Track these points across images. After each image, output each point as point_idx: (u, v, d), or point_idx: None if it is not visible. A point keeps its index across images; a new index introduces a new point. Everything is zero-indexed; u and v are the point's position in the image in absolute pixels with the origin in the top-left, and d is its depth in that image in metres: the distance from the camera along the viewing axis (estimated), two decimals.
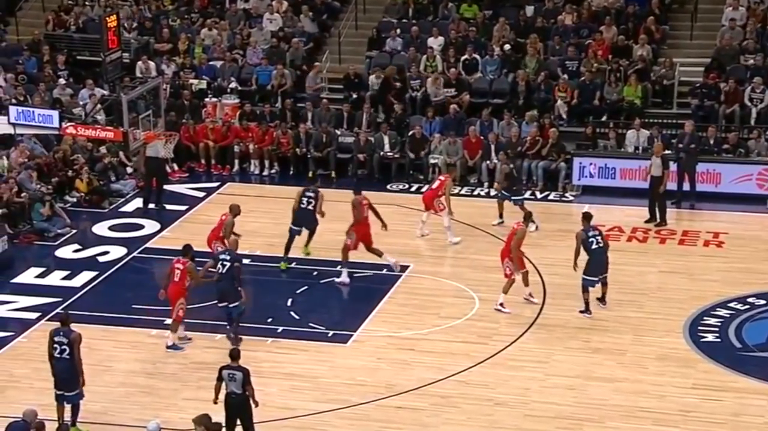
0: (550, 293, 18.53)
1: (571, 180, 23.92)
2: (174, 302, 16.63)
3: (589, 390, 15.61)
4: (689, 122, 23.20)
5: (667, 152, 22.24)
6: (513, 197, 21.30)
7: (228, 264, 16.64)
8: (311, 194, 19.70)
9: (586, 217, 18.06)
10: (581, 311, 17.71)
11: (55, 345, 14.24)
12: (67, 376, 14.20)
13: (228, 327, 16.85)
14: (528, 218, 19.05)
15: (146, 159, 22.30)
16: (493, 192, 22.69)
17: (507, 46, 26.48)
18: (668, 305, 18.10)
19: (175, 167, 24.91)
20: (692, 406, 15.16)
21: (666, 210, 21.75)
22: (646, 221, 21.72)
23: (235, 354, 13.77)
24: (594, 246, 17.58)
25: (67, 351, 14.18)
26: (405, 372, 16.13)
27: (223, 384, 13.69)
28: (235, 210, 18.73)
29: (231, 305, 16.65)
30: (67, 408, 14.35)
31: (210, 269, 16.90)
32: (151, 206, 22.24)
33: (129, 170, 24.01)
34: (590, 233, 17.69)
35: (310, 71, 26.58)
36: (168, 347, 16.69)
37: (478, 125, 24.86)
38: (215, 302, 16.96)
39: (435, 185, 20.89)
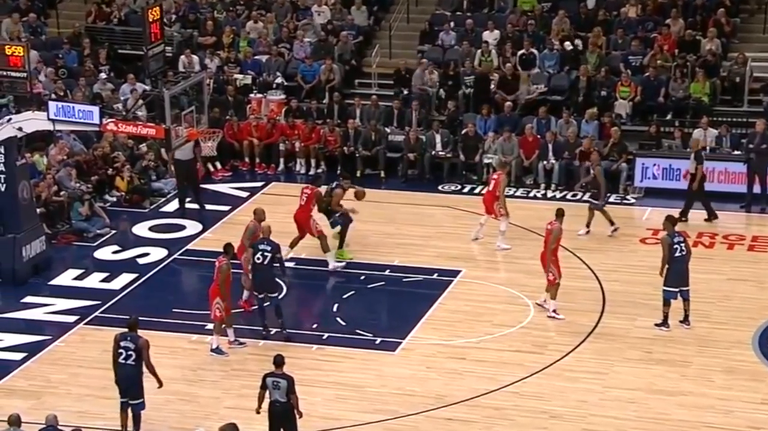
0: (609, 301, 18.42)
1: (633, 182, 23.75)
2: (210, 302, 16.78)
3: (651, 403, 15.50)
4: (761, 120, 22.92)
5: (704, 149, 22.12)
6: (592, 202, 20.97)
7: (269, 255, 16.88)
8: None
9: (671, 220, 17.44)
10: (658, 325, 17.49)
11: (121, 350, 14.37)
12: (131, 383, 14.33)
13: (277, 320, 17.02)
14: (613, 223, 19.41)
15: (175, 162, 22.55)
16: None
17: (567, 43, 26.32)
18: (736, 314, 17.92)
19: (218, 166, 25.11)
20: (762, 422, 14.99)
21: (711, 208, 21.54)
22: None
23: (279, 361, 13.86)
24: (677, 254, 17.11)
25: (133, 357, 14.31)
26: (456, 382, 16.13)
27: (267, 393, 13.77)
28: (259, 215, 18.53)
29: (272, 296, 16.98)
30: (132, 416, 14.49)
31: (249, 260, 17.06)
32: (192, 205, 22.33)
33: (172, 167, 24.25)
34: (675, 239, 17.19)
35: (417, 68, 26.22)
36: (212, 350, 16.83)
37: (535, 122, 24.77)
38: (249, 308, 17.16)
39: (491, 185, 20.82)
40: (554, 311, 17.68)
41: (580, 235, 20.89)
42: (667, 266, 17.22)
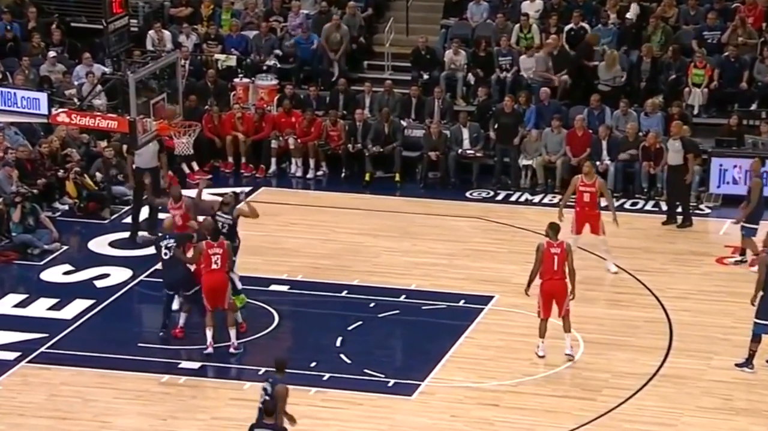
0: (678, 335, 18.37)
1: (707, 188, 23.72)
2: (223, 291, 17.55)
3: None
4: None
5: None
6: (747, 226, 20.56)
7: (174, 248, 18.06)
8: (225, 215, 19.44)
9: None
10: (740, 365, 17.44)
11: (261, 392, 14.63)
12: None
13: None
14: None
15: (134, 171, 22.19)
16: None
17: (629, 14, 26.29)
18: None
19: (195, 167, 25.16)
20: None
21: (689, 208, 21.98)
22: (664, 223, 22.07)
23: (270, 409, 13.88)
24: None
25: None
26: None
27: None
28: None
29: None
30: None
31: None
32: (143, 234, 22.08)
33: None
34: None
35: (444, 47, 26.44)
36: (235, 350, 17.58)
37: (586, 113, 24.77)
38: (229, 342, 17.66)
39: (586, 196, 20.27)
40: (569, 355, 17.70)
41: (734, 262, 20.70)
42: (761, 293, 17.10)
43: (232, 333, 17.89)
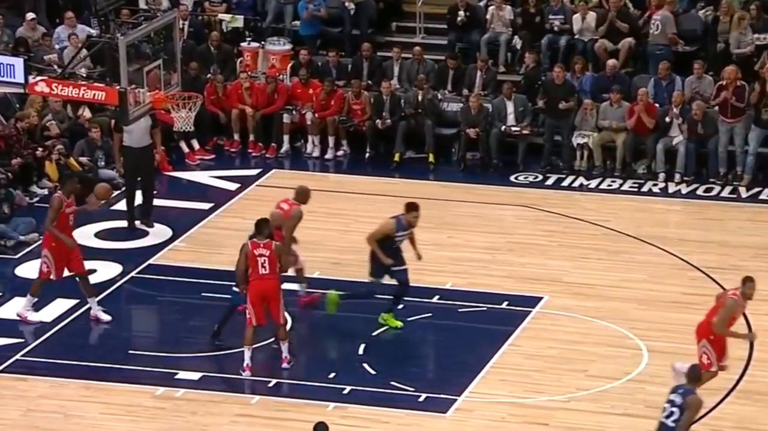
0: (760, 344, 18.31)
1: None
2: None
3: None
4: None
5: None
6: None
7: None
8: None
9: None
10: None
11: (665, 405, 14.68)
12: None
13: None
14: None
15: (123, 150, 22.39)
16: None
17: None
18: None
19: (195, 146, 25.23)
20: None
21: None
22: None
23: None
24: None
25: (675, 416, 14.62)
26: None
27: None
28: (302, 196, 19.32)
29: None
30: None
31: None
32: (139, 223, 22.33)
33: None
34: None
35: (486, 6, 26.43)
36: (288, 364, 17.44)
37: (652, 83, 24.69)
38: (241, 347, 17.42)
39: None
40: None
41: None
42: None
43: (284, 346, 17.71)
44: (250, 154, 25.40)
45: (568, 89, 24.58)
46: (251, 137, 25.53)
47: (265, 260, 17.47)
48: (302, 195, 19.39)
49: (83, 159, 23.83)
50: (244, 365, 17.60)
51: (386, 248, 18.62)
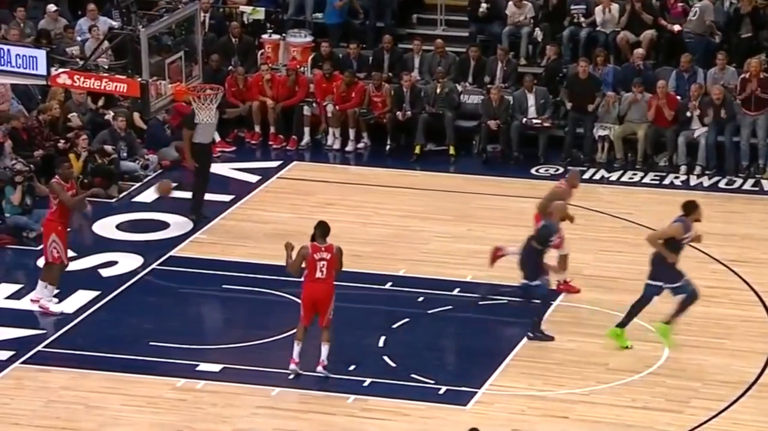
0: None
1: None
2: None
3: None
4: None
5: None
6: None
7: None
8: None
9: None
10: None
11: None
12: None
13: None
14: None
15: (193, 148, 22.13)
16: None
17: None
18: None
19: (217, 138, 25.23)
20: None
21: None
22: None
23: None
24: None
25: None
26: None
27: None
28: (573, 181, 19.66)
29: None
30: None
31: None
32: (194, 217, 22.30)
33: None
34: None
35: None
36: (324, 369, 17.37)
37: (673, 76, 24.62)
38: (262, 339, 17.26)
39: None
40: None
41: None
42: None
43: (325, 349, 17.46)
44: (270, 146, 25.40)
45: (593, 84, 24.49)
46: (272, 129, 25.54)
47: (324, 265, 17.23)
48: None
49: (107, 148, 23.82)
50: (291, 358, 17.47)
51: (672, 249, 18.05)
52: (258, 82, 25.69)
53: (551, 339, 18.29)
